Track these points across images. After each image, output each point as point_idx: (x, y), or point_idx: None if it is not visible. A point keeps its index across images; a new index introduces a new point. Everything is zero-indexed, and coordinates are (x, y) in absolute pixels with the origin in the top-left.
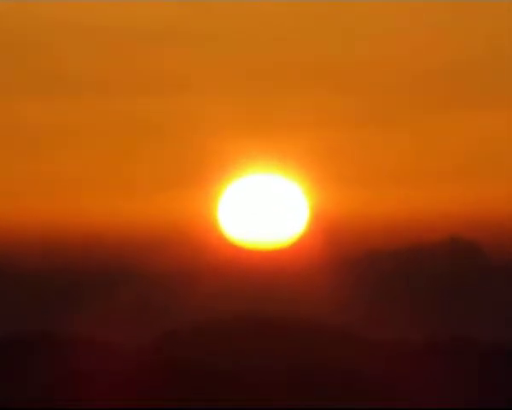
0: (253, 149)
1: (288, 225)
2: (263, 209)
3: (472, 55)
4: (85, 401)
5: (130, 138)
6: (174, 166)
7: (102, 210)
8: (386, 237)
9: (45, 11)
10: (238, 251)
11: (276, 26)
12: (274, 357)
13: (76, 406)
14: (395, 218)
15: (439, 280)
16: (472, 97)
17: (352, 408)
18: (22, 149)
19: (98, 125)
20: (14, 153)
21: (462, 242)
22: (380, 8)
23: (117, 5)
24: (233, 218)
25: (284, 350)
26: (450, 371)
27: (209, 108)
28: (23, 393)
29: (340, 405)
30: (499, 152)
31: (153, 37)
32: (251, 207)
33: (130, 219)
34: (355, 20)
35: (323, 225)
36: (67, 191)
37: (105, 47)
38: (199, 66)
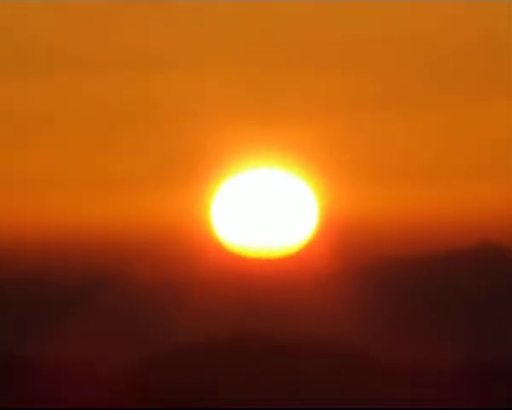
0: (253, 140)
1: (294, 228)
2: (264, 210)
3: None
4: None
5: (109, 126)
6: (160, 159)
7: (77, 211)
8: (408, 243)
9: None
10: (235, 259)
11: None
12: (277, 382)
13: None
14: (418, 221)
15: (469, 293)
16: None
17: None
18: None
19: (71, 111)
20: None
21: (494, 248)
22: None
23: None
24: (229, 220)
25: (289, 375)
26: (484, 401)
27: (202, 90)
28: None
29: None
30: None
31: (135, 5)
32: (250, 208)
33: (109, 221)
34: None
35: (335, 228)
36: (36, 188)
37: (76, 18)
38: (191, 41)
